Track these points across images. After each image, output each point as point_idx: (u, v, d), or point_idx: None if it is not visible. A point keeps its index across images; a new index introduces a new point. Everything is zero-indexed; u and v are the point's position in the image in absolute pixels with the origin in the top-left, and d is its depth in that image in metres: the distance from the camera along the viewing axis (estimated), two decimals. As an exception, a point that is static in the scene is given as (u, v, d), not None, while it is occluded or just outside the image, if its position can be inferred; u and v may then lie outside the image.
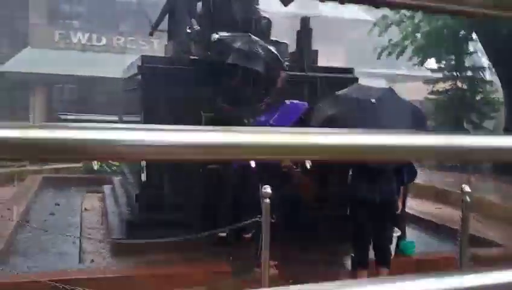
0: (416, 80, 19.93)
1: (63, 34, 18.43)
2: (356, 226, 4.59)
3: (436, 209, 8.89)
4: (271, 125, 5.10)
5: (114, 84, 14.49)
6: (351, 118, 4.41)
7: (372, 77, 24.40)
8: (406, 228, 6.15)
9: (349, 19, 23.67)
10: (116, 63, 14.91)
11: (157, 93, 5.87)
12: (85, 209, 8.05)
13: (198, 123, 5.99)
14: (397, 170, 4.54)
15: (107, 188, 8.92)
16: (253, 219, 4.04)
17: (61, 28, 18.68)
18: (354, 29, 23.66)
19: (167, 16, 6.82)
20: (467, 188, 4.75)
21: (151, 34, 7.07)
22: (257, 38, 5.96)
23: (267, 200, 3.75)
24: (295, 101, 5.41)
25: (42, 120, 17.83)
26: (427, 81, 15.76)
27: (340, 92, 4.84)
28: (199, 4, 7.19)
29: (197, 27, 6.88)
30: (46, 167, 11.13)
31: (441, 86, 15.67)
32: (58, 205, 8.25)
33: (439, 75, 15.56)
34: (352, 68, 6.78)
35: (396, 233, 5.40)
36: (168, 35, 6.95)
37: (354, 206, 4.65)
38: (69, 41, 18.44)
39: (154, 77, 5.87)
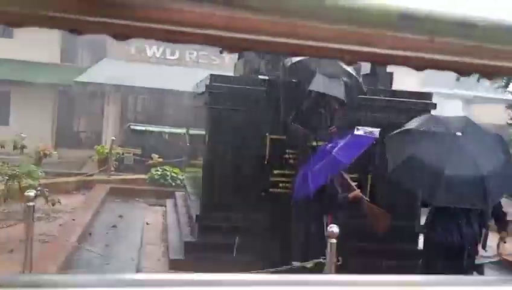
0: (494, 102, 18.70)
1: (139, 47, 19.05)
2: (430, 270, 4.16)
3: None
4: (334, 156, 4.77)
5: (184, 97, 14.73)
6: (440, 157, 3.95)
7: (448, 98, 23.31)
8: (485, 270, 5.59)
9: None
10: (187, 77, 15.16)
11: (224, 112, 5.76)
12: (147, 223, 8.07)
13: (263, 144, 5.82)
14: (482, 213, 4.07)
15: (169, 203, 8.93)
16: (316, 260, 3.75)
17: (137, 41, 19.33)
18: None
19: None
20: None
21: (221, 52, 6.97)
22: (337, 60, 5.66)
23: (333, 241, 3.42)
24: (365, 130, 5.05)
25: (115, 130, 18.47)
26: (511, 106, 14.68)
27: (414, 126, 4.36)
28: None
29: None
30: (114, 177, 11.39)
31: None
32: (121, 217, 8.33)
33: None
34: (431, 93, 6.31)
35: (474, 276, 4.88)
36: (239, 54, 6.84)
37: (428, 249, 4.23)
38: (144, 54, 19.04)
39: (222, 96, 5.77)
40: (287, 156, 5.87)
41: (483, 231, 4.30)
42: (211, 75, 5.87)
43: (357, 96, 5.53)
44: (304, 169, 5.08)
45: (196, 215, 5.92)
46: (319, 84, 5.26)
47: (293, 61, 5.59)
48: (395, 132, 4.51)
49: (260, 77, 6.27)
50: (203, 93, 6.34)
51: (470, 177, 3.82)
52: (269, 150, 5.83)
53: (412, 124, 4.41)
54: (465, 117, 4.48)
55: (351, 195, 4.91)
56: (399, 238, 5.64)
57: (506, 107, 14.86)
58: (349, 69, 5.64)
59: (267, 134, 5.82)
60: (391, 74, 6.48)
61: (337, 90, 5.26)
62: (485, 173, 3.83)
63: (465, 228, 4.00)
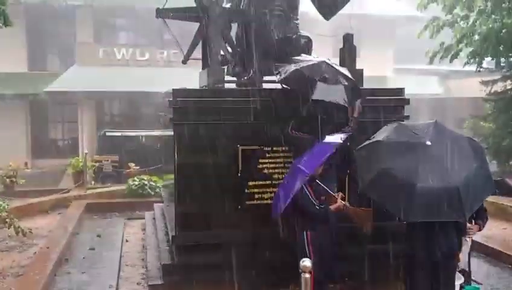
0: (470, 76, 18.62)
1: (107, 51, 18.62)
2: (412, 285, 4.05)
3: (503, 231, 8.13)
4: (298, 168, 4.56)
5: (159, 98, 14.40)
6: (411, 170, 3.72)
7: (424, 74, 23.23)
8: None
9: (399, 16, 22.72)
10: (160, 77, 14.81)
11: (191, 128, 5.53)
12: (126, 240, 7.85)
13: (236, 156, 5.61)
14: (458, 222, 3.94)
15: (148, 216, 8.71)
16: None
17: (105, 44, 18.92)
18: (404, 26, 22.69)
19: (200, 43, 6.44)
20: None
21: (184, 63, 6.72)
22: (334, 64, 5.37)
23: (307, 275, 3.23)
24: (328, 139, 4.82)
25: (91, 136, 18.17)
26: (485, 82, 14.66)
27: (382, 137, 4.13)
28: (234, 27, 6.80)
29: (231, 52, 6.51)
30: (91, 191, 11.10)
31: (500, 86, 14.55)
32: (100, 236, 8.09)
33: (497, 72, 14.41)
34: (402, 88, 6.14)
35: (459, 280, 4.77)
36: (203, 63, 6.59)
37: (409, 264, 4.09)
38: (113, 57, 18.59)
39: (187, 111, 5.52)
40: (260, 166, 5.68)
41: (462, 238, 4.19)
42: (173, 90, 5.61)
43: (356, 98, 5.31)
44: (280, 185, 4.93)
45: (172, 237, 5.72)
46: (322, 93, 5.03)
47: (291, 70, 5.32)
48: (363, 144, 4.30)
49: (226, 87, 6.03)
50: (168, 107, 6.08)
51: (444, 188, 3.65)
52: (242, 161, 5.64)
53: (381, 135, 4.20)
54: (435, 122, 4.26)
55: (333, 207, 4.74)
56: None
57: (480, 83, 14.82)
58: (346, 72, 5.40)
59: (237, 145, 5.62)
60: (361, 70, 6.28)
61: (340, 97, 5.06)
62: (459, 181, 3.66)
63: (442, 238, 3.87)
